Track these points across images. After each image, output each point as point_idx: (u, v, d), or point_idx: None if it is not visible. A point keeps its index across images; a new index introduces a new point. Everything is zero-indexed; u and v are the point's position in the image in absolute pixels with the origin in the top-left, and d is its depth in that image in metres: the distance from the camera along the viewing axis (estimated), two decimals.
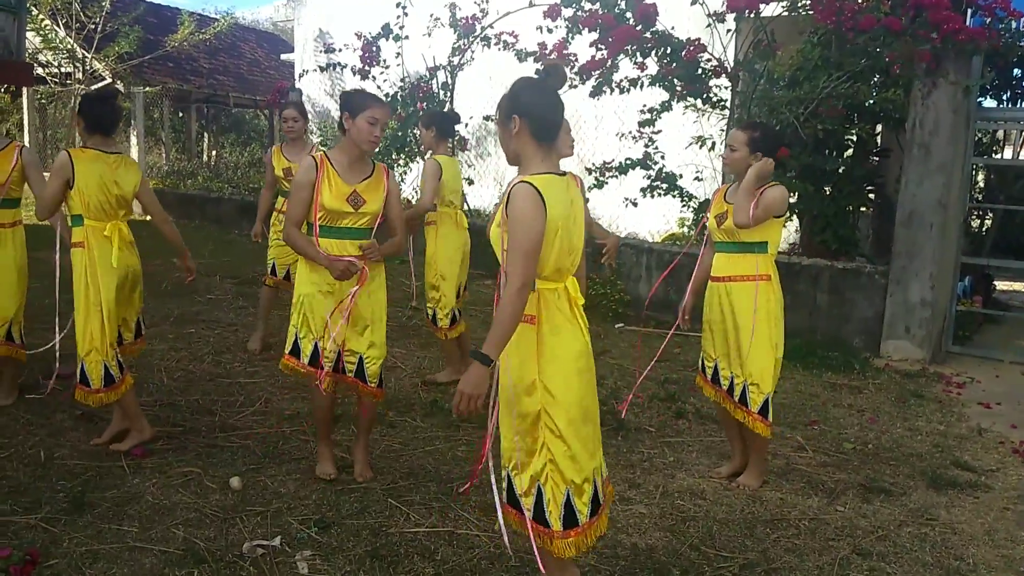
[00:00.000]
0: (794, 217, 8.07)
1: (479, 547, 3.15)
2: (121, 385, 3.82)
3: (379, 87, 9.56)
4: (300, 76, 11.56)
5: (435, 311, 5.14)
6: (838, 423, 4.97)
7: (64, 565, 2.83)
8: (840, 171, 7.54)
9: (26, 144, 4.40)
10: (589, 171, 8.11)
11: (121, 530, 3.10)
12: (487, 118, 9.73)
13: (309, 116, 10.97)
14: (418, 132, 5.55)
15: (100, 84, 16.36)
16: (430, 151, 5.22)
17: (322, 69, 9.76)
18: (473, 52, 9.17)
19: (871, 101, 7.39)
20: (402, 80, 9.46)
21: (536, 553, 2.50)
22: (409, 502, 3.50)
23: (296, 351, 3.55)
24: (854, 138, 8.02)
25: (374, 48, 8.86)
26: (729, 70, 7.41)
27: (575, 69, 7.41)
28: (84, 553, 2.91)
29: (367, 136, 3.40)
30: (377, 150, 5.00)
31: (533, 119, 2.43)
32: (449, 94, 9.38)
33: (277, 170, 5.49)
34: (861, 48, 6.86)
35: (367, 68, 8.95)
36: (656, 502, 3.63)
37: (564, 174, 2.50)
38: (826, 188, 7.58)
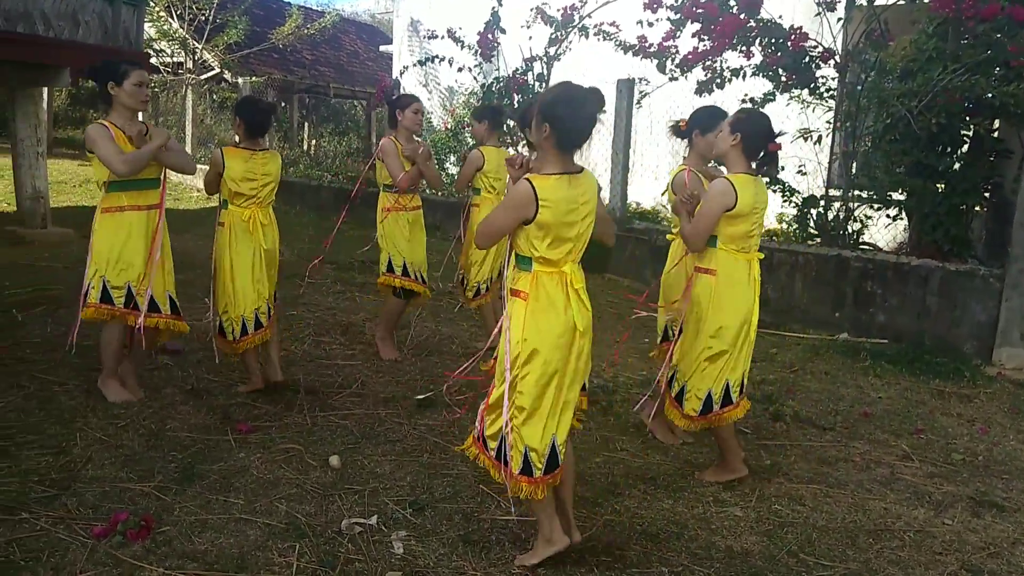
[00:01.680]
0: (903, 215, 7.73)
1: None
2: (244, 342, 4.37)
3: (475, 79, 9.66)
4: (402, 72, 11.75)
5: (465, 282, 5.68)
6: (946, 432, 4.74)
7: (175, 532, 2.97)
8: (954, 168, 7.16)
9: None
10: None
11: (228, 502, 3.23)
12: None
13: None
14: (470, 125, 5.95)
15: (209, 74, 17.09)
16: (480, 142, 5.71)
17: (421, 63, 9.89)
18: (570, 43, 9.12)
19: (990, 95, 6.98)
20: (497, 71, 9.50)
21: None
22: (500, 489, 3.50)
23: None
24: (970, 134, 7.60)
25: (488, 36, 8.88)
26: (838, 60, 7.14)
27: (676, 61, 7.27)
28: (193, 522, 3.05)
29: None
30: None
31: (562, 131, 2.69)
32: (544, 86, 9.37)
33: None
34: (981, 39, 6.49)
35: (488, 53, 8.98)
36: (752, 505, 3.54)
37: (581, 170, 2.79)
38: (938, 186, 7.22)
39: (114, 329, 4.14)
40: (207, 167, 4.58)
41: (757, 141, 3.57)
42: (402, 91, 12.82)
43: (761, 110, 3.08)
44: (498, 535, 3.14)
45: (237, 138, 4.53)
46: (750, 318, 3.60)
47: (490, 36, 8.83)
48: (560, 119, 2.67)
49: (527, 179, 2.70)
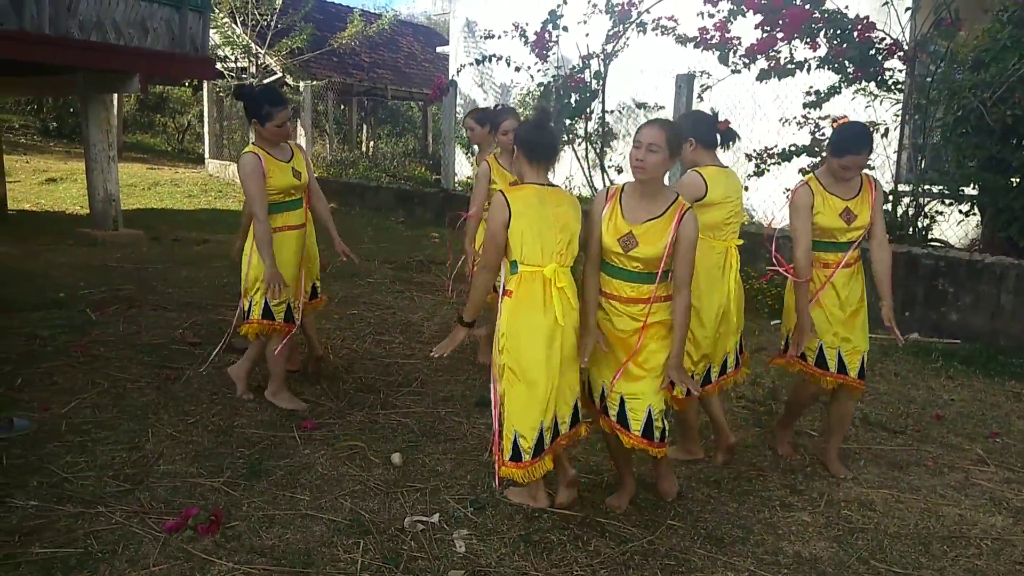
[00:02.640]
0: (975, 211, 7.45)
1: (632, 541, 3.11)
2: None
3: (531, 77, 9.64)
4: (458, 71, 11.80)
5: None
6: (1023, 436, 4.55)
7: (244, 527, 3.03)
8: None
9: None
10: (749, 158, 7.81)
11: (295, 497, 3.29)
12: (640, 105, 9.63)
13: (459, 108, 11.12)
14: (467, 131, 5.43)
15: (272, 78, 17.44)
16: (481, 149, 5.32)
17: (478, 62, 9.92)
18: (628, 39, 9.03)
19: None
20: (557, 69, 9.47)
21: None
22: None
23: None
24: None
25: (547, 34, 8.84)
26: (906, 50, 6.92)
27: (739, 53, 7.14)
28: (261, 517, 3.12)
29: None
30: None
31: (525, 146, 3.16)
32: (601, 83, 9.29)
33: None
34: None
35: (545, 52, 8.91)
36: (820, 510, 3.45)
37: (550, 186, 3.18)
38: (1012, 180, 6.94)
39: (277, 342, 4.27)
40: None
41: (706, 134, 3.77)
42: (458, 91, 12.95)
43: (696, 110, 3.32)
44: (559, 535, 3.13)
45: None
46: (725, 302, 3.76)
47: (547, 35, 8.80)
48: (523, 139, 3.16)
49: (501, 191, 3.14)
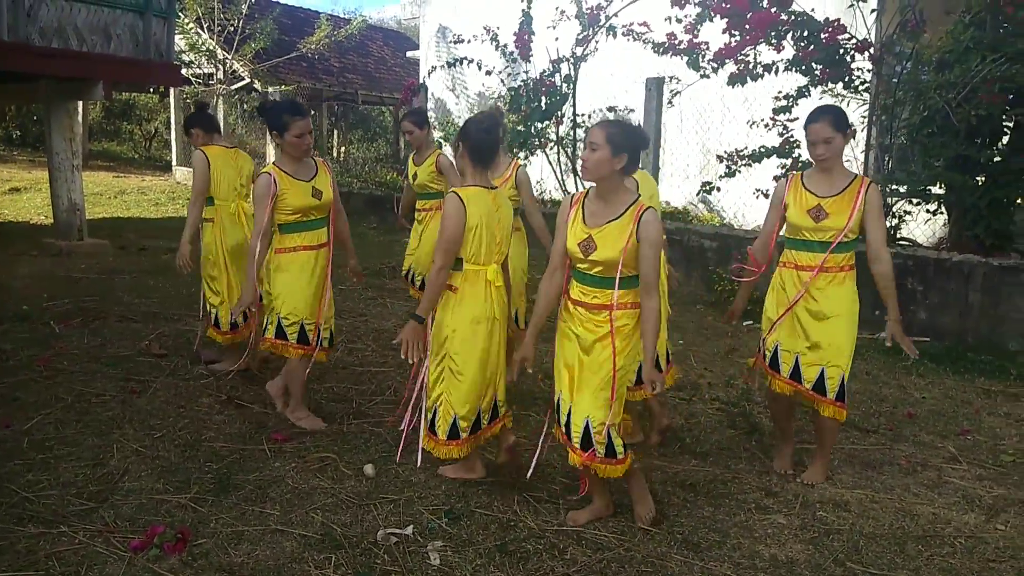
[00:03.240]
0: (942, 210, 7.54)
1: (609, 549, 3.08)
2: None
3: (502, 82, 9.62)
4: (429, 73, 11.75)
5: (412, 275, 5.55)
6: (994, 433, 4.60)
7: (211, 545, 2.96)
8: (995, 161, 6.98)
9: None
10: (720, 159, 7.84)
11: (264, 513, 3.22)
12: (610, 109, 9.62)
13: (431, 112, 11.08)
14: (405, 134, 5.44)
15: (240, 84, 17.27)
16: (419, 151, 5.32)
17: (449, 65, 9.88)
18: (597, 43, 9.04)
19: None
20: (526, 74, 9.45)
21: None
22: (537, 498, 3.47)
23: None
24: (1011, 125, 7.40)
25: (525, 36, 8.81)
26: (873, 52, 6.98)
27: (707, 58, 7.17)
28: (230, 534, 3.04)
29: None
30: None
31: (472, 148, 3.31)
32: (572, 87, 9.29)
33: (409, 178, 5.54)
34: (1022, 27, 6.30)
35: (527, 51, 8.86)
36: (796, 512, 3.45)
37: (493, 188, 3.40)
38: (979, 179, 7.03)
39: (300, 363, 4.18)
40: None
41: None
42: (430, 95, 12.90)
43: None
44: (535, 544, 3.09)
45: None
46: None
47: (527, 37, 8.79)
48: (471, 137, 3.31)
49: (453, 191, 3.28)
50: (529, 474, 3.53)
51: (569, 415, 3.12)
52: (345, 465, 3.72)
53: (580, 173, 3.12)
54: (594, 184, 3.10)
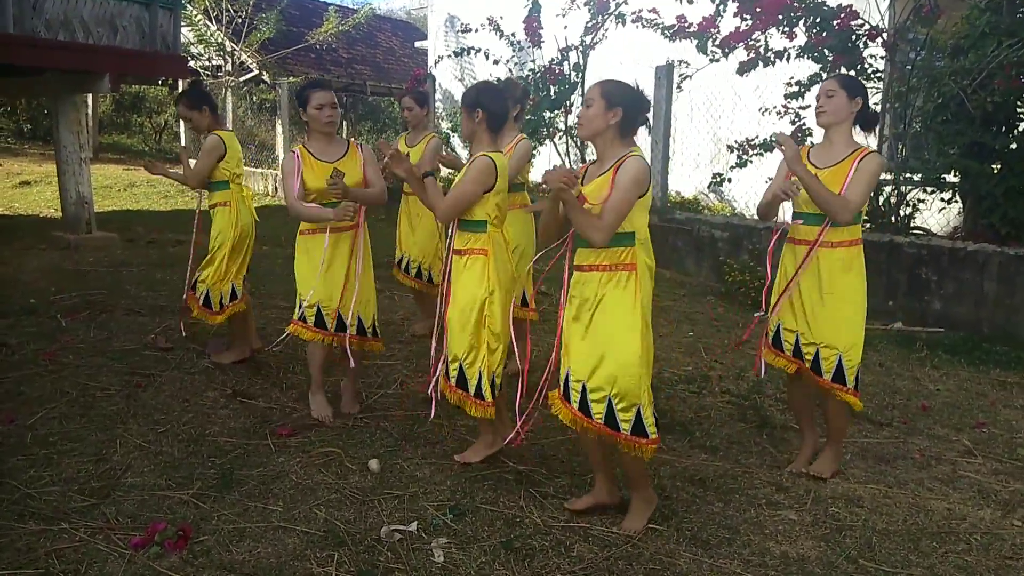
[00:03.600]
0: (956, 198, 7.43)
1: (616, 546, 3.03)
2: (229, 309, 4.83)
3: (510, 71, 9.54)
4: (436, 63, 11.67)
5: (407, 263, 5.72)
6: (1010, 426, 4.51)
7: (213, 542, 2.92)
8: (1011, 148, 6.85)
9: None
10: (731, 149, 7.74)
11: (267, 509, 3.18)
12: None
13: (439, 102, 11.06)
14: (405, 111, 5.47)
15: (248, 76, 17.24)
16: (416, 130, 5.50)
17: (456, 55, 9.81)
18: (606, 31, 8.94)
19: None
20: (534, 62, 9.37)
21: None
22: (544, 493, 3.42)
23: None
24: None
25: (535, 23, 8.74)
26: (886, 38, 6.86)
27: (717, 42, 7.06)
28: (231, 531, 3.01)
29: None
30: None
31: (492, 115, 3.38)
32: (581, 75, 9.20)
33: None
34: None
35: (537, 37, 8.81)
36: (807, 508, 3.38)
37: (502, 152, 3.54)
38: (994, 167, 6.92)
39: (316, 346, 4.15)
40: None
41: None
42: (437, 85, 12.82)
43: None
44: (541, 541, 3.04)
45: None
46: (524, 242, 4.59)
47: (536, 23, 8.71)
48: (497, 110, 3.38)
49: (486, 154, 3.33)
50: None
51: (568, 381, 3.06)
52: (349, 460, 3.67)
53: (576, 133, 3.12)
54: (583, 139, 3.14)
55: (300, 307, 4.09)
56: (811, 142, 7.23)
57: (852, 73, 7.08)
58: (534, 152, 9.56)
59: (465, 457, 3.68)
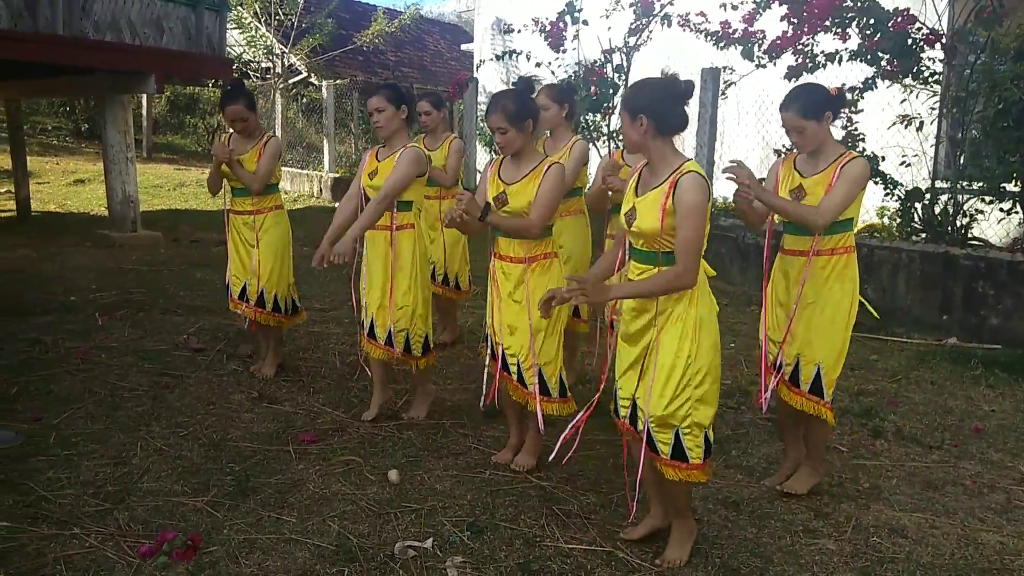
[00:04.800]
0: (1017, 209, 7.06)
1: (640, 571, 2.88)
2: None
3: (553, 73, 9.39)
4: (478, 66, 11.60)
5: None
6: None
7: (222, 553, 2.85)
8: None
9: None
10: (777, 153, 7.50)
11: (280, 520, 3.11)
12: None
13: (481, 105, 10.92)
14: (422, 115, 5.22)
15: (297, 78, 17.41)
16: (435, 134, 5.35)
17: (498, 57, 9.71)
18: (651, 32, 8.75)
19: None
20: (577, 64, 9.22)
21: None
22: (567, 512, 3.28)
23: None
24: None
25: (560, 24, 8.62)
26: (945, 41, 6.56)
27: (763, 48, 6.83)
28: (242, 542, 2.93)
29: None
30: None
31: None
32: (624, 78, 9.02)
33: None
34: None
35: (559, 43, 8.70)
36: (847, 537, 3.18)
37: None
38: None
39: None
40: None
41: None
42: (481, 88, 12.75)
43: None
44: (560, 564, 2.90)
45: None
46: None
47: (562, 25, 8.57)
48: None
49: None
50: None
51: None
52: (369, 469, 3.58)
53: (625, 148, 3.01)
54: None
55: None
56: (866, 152, 6.96)
57: (909, 78, 6.79)
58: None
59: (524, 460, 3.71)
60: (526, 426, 3.71)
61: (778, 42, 6.71)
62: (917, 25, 6.47)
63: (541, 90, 4.52)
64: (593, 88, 8.57)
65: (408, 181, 3.95)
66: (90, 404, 4.19)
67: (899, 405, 4.76)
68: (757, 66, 7.14)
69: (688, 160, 2.74)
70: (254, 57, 17.60)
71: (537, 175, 3.36)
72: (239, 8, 16.18)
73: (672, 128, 2.75)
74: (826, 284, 3.32)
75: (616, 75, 8.61)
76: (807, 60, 6.83)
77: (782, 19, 6.64)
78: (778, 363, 3.44)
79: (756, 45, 6.98)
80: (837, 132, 7.33)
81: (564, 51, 8.95)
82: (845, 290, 3.34)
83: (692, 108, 8.57)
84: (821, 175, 3.30)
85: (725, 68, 7.82)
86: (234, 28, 15.45)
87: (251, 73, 17.53)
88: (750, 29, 6.94)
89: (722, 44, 7.23)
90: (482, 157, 13.75)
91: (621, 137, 3.82)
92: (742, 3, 6.94)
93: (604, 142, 9.52)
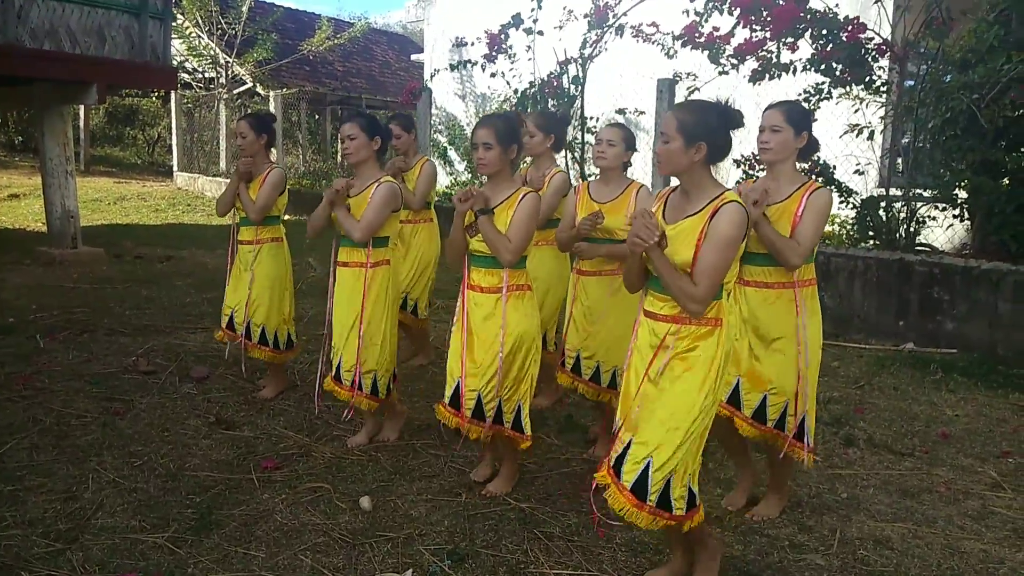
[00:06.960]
0: (965, 215, 7.23)
1: None
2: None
3: (507, 83, 9.33)
4: (432, 76, 11.47)
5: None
6: None
7: None
8: (1023, 164, 6.65)
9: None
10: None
11: (248, 555, 2.93)
12: (620, 111, 9.32)
13: (435, 116, 10.82)
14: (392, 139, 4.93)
15: (242, 88, 17.03)
16: (406, 156, 5.18)
17: (452, 67, 9.61)
18: (605, 43, 8.75)
19: None
20: (532, 75, 9.17)
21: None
22: (549, 535, 3.17)
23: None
24: None
25: (501, 36, 8.58)
26: (895, 51, 6.68)
27: (727, 53, 6.86)
28: None
29: None
30: None
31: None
32: (580, 88, 9.00)
33: None
34: None
35: (494, 55, 8.66)
36: (834, 551, 3.13)
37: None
38: (1004, 182, 6.73)
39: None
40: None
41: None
42: (433, 99, 12.62)
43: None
44: None
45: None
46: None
47: (501, 36, 8.54)
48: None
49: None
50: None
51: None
52: (339, 497, 3.42)
53: (658, 167, 2.81)
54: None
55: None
56: (822, 160, 7.03)
57: (860, 88, 6.89)
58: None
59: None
60: (497, 444, 3.59)
61: (743, 47, 6.74)
62: (869, 34, 6.58)
63: (530, 115, 4.44)
64: (552, 102, 8.53)
65: (383, 221, 3.80)
66: (34, 434, 3.93)
67: (866, 412, 4.78)
68: (721, 72, 7.16)
69: (728, 190, 2.59)
70: (198, 66, 17.16)
71: (511, 204, 3.28)
72: (180, 16, 15.76)
73: (720, 157, 2.61)
74: (791, 318, 3.19)
75: (572, 86, 8.58)
76: (769, 66, 6.88)
77: (745, 26, 6.66)
78: (734, 397, 3.26)
79: (721, 50, 7.01)
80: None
81: (517, 59, 8.90)
82: (813, 324, 3.24)
83: (649, 118, 8.58)
84: (784, 204, 3.16)
85: (688, 75, 7.84)
86: (176, 37, 15.03)
87: (194, 84, 17.08)
88: (715, 34, 6.96)
89: (688, 47, 7.23)
90: (439, 171, 13.61)
91: (592, 159, 3.70)
92: (704, 10, 6.97)
93: (561, 154, 9.47)
